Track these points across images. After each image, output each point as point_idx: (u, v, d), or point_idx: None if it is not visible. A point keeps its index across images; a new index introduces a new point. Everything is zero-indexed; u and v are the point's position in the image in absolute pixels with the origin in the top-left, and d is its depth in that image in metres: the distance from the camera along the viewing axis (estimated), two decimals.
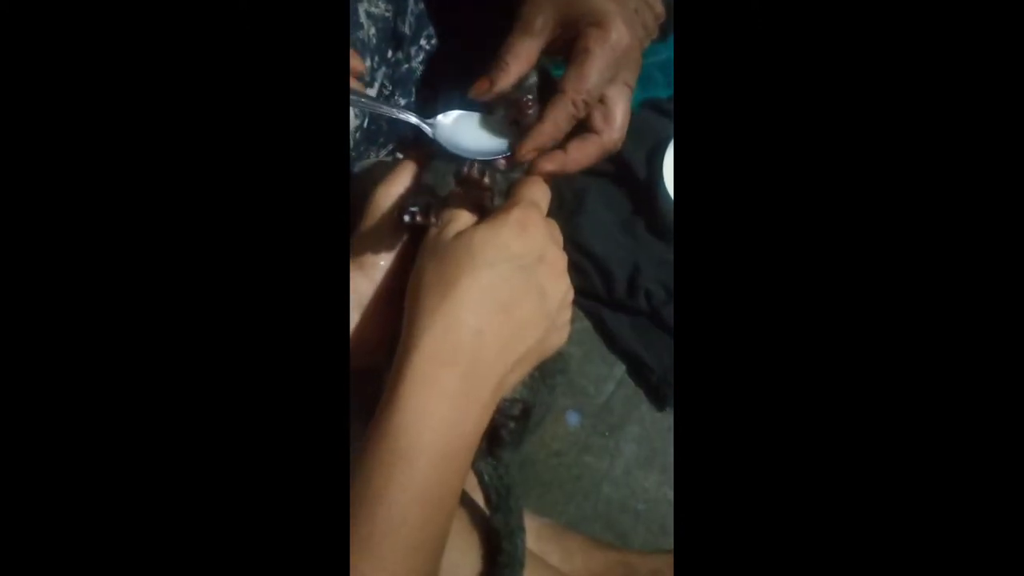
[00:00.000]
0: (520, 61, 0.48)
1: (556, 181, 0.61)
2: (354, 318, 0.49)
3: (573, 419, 0.72)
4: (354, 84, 0.51)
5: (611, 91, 0.49)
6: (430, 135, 0.49)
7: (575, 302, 0.73)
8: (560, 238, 0.50)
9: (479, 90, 0.48)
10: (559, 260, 0.47)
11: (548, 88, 0.49)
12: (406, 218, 0.45)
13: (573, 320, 0.70)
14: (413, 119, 0.49)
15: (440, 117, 0.50)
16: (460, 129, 0.50)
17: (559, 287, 0.47)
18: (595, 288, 0.74)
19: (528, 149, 0.48)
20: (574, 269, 0.75)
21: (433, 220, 0.46)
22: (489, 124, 0.51)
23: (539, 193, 0.49)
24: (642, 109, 0.82)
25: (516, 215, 0.45)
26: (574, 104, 0.47)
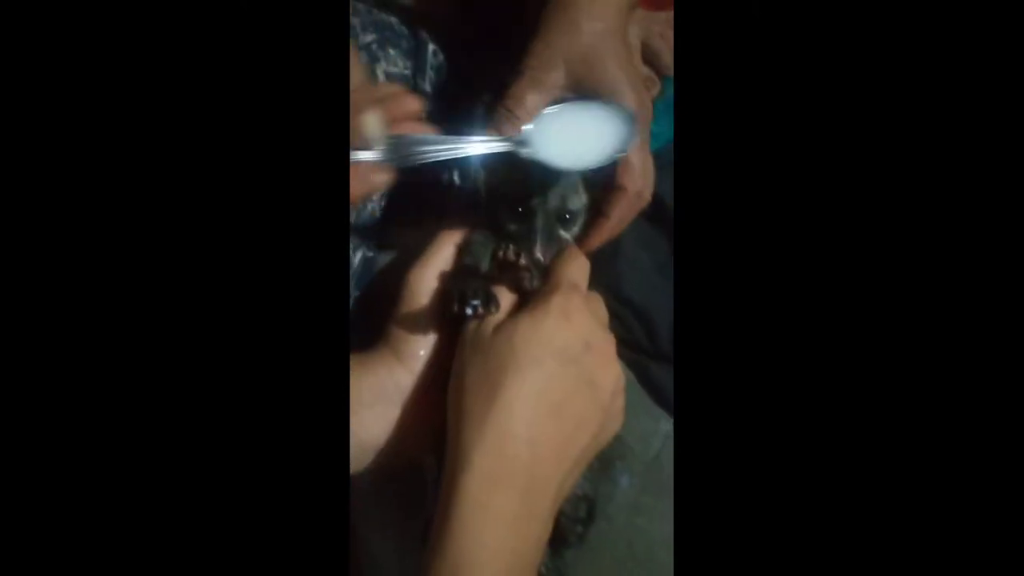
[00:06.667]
0: (530, 113, 0.47)
1: None
2: (396, 412, 0.46)
3: (622, 480, 0.69)
4: (415, 127, 0.46)
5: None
6: (522, 152, 0.43)
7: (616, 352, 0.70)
8: (605, 316, 0.47)
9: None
10: (607, 344, 0.44)
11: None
12: (468, 311, 0.41)
13: None
14: (497, 143, 0.43)
15: (531, 125, 0.43)
16: (554, 131, 0.43)
17: (610, 375, 0.44)
18: (637, 339, 0.71)
19: (597, 243, 0.49)
20: (615, 319, 0.72)
21: (493, 310, 0.43)
22: (590, 115, 0.44)
23: (578, 271, 0.46)
24: (672, 146, 0.79)
25: (557, 303, 0.42)
26: (638, 196, 0.48)
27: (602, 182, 0.48)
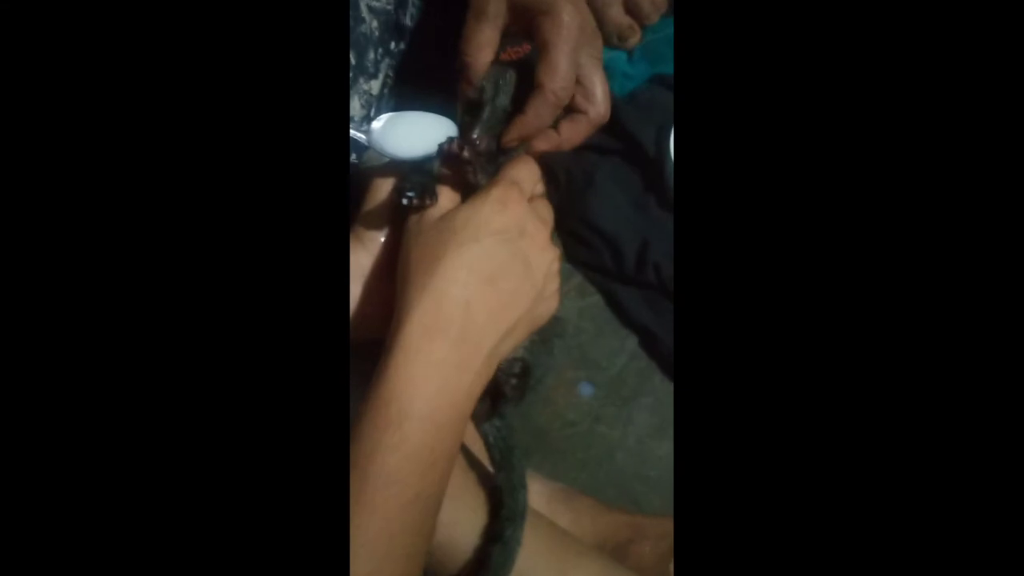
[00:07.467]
0: (483, 50, 0.52)
1: (566, 161, 0.62)
2: (357, 290, 0.52)
3: (586, 390, 0.74)
4: None
5: (583, 69, 0.51)
6: (364, 143, 0.52)
7: (586, 277, 0.75)
8: (546, 215, 0.52)
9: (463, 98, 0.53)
10: (540, 232, 0.50)
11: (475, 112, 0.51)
12: (404, 201, 0.48)
13: (584, 295, 0.72)
14: (355, 133, 0.52)
15: (374, 123, 0.51)
16: (394, 130, 0.51)
17: (544, 258, 0.49)
18: (605, 264, 0.76)
19: (512, 138, 0.52)
20: (584, 245, 0.77)
21: (428, 202, 0.49)
22: (423, 121, 0.53)
23: (522, 172, 0.51)
24: (651, 85, 0.83)
25: (496, 193, 0.48)
26: (554, 94, 0.49)
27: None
